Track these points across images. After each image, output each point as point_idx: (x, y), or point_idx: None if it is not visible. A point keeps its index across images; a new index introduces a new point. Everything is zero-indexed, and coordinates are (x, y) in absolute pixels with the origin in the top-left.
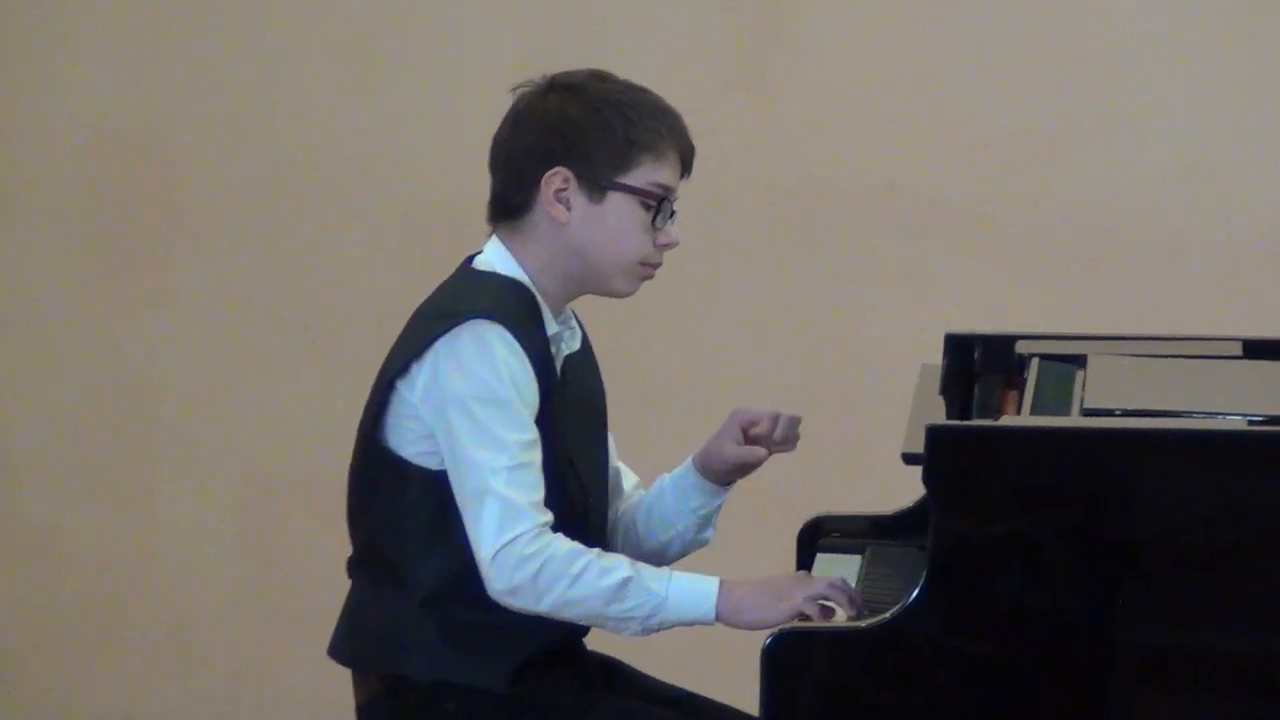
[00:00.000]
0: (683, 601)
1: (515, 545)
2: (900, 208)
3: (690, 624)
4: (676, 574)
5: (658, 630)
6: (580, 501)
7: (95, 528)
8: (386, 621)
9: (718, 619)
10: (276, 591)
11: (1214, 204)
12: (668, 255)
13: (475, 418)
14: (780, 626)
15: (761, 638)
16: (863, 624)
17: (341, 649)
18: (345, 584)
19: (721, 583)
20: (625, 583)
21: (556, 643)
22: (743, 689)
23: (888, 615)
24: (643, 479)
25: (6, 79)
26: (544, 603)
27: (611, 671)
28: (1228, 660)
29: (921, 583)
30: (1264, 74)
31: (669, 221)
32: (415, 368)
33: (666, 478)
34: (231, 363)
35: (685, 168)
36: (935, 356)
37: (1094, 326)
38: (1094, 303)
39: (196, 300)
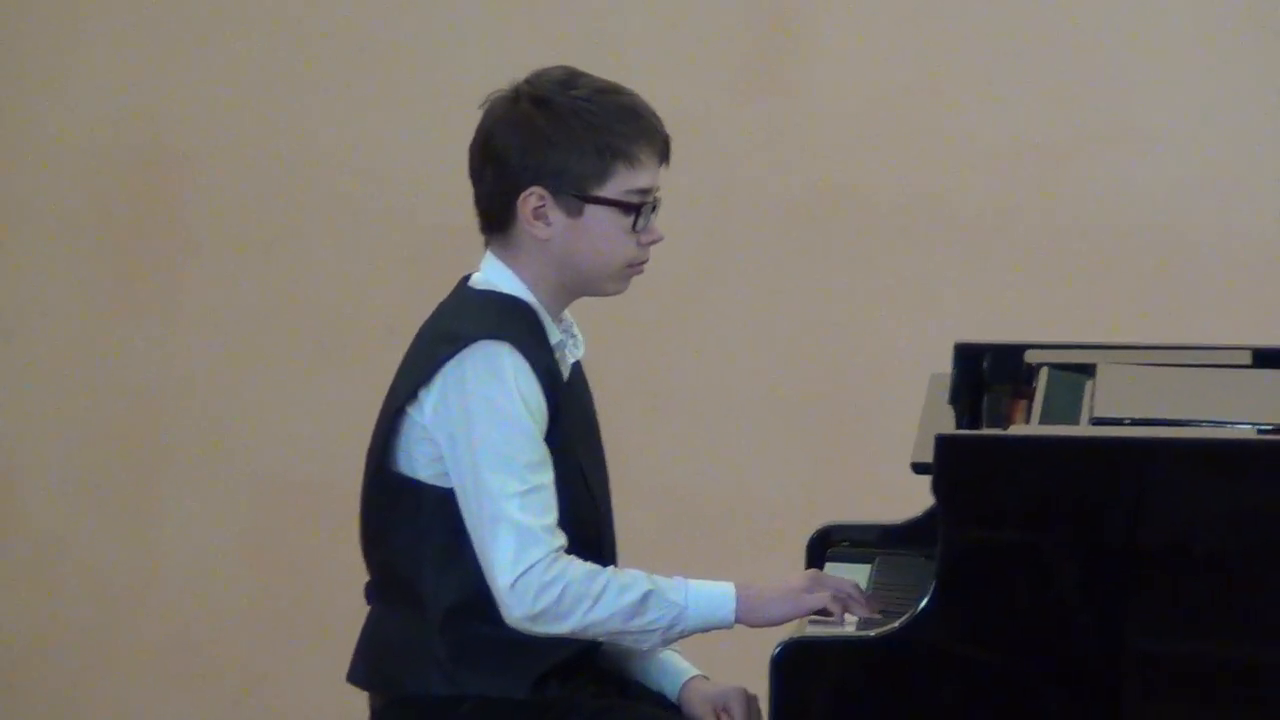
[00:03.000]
0: (702, 608)
1: (533, 573)
2: (909, 217)
3: (709, 629)
4: (693, 581)
5: (677, 639)
6: (592, 515)
7: (103, 537)
8: (405, 643)
9: (737, 620)
10: (284, 601)
11: (1222, 214)
12: (680, 265)
13: (487, 440)
14: (789, 636)
15: (769, 648)
16: (872, 633)
17: (360, 674)
18: (353, 593)
19: (737, 585)
20: (645, 597)
21: (576, 653)
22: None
23: (897, 624)
24: (650, 490)
25: (15, 89)
26: (565, 626)
27: (623, 683)
28: (1240, 670)
29: (931, 592)
30: (1271, 84)
31: (651, 218)
32: (423, 393)
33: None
34: (239, 372)
35: (664, 159)
36: (944, 365)
37: (1103, 336)
38: (1102, 312)
39: (204, 309)
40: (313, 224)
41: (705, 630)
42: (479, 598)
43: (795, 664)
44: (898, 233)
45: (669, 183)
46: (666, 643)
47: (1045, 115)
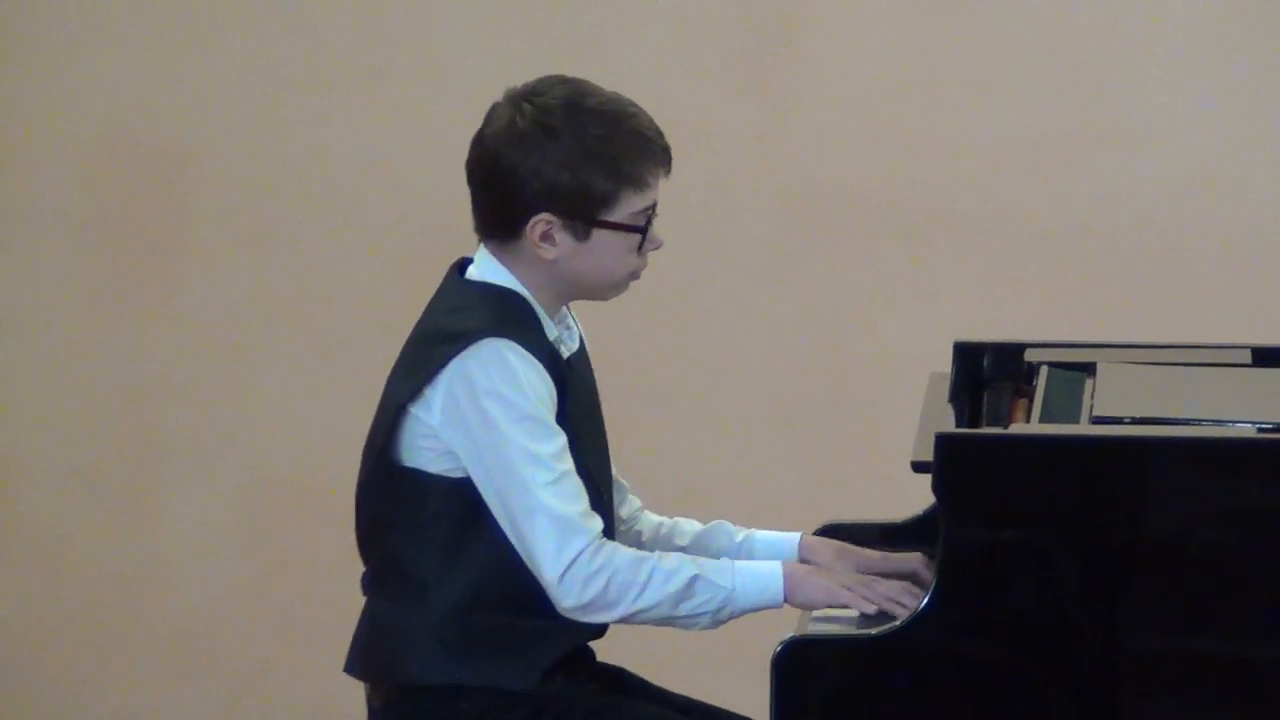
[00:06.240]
0: (750, 589)
1: (579, 563)
2: (908, 215)
3: (759, 609)
4: (740, 562)
5: (728, 620)
6: (596, 504)
7: (102, 533)
8: (405, 632)
9: (786, 600)
10: (283, 597)
11: (1221, 211)
12: (677, 264)
13: (508, 437)
14: (791, 634)
15: (769, 646)
16: (873, 632)
17: (357, 664)
18: (352, 590)
19: (785, 564)
20: (692, 581)
21: (581, 643)
22: (750, 699)
23: (898, 623)
24: (647, 485)
25: (13, 85)
26: (614, 614)
27: (623, 680)
28: (1240, 669)
29: (931, 591)
30: (1269, 81)
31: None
32: (429, 392)
33: (748, 536)
34: (238, 368)
35: (667, 172)
36: (944, 364)
37: (1102, 334)
38: (1102, 310)
39: (203, 306)
40: (311, 220)
41: (756, 610)
42: (486, 588)
43: (797, 662)
44: (896, 231)
45: (666, 183)
46: (717, 624)
47: (1043, 113)
